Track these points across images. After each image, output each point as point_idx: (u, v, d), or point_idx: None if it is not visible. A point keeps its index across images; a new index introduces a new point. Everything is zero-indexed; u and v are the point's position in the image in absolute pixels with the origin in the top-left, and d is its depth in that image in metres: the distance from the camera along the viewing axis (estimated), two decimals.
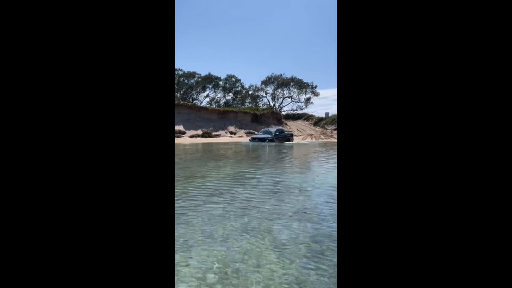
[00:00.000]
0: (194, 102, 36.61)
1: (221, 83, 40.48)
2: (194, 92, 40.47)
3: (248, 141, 17.54)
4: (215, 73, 43.77)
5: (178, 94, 37.86)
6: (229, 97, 41.31)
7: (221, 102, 40.52)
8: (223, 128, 25.93)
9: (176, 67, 41.00)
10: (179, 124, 25.05)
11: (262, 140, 16.94)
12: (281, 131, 18.77)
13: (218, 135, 24.11)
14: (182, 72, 39.68)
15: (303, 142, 19.62)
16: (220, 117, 27.06)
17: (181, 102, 28.03)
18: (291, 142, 18.03)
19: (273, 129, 18.74)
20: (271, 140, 16.90)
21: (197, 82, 39.84)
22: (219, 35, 63.69)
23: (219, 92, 41.12)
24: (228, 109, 29.34)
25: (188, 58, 59.36)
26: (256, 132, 19.17)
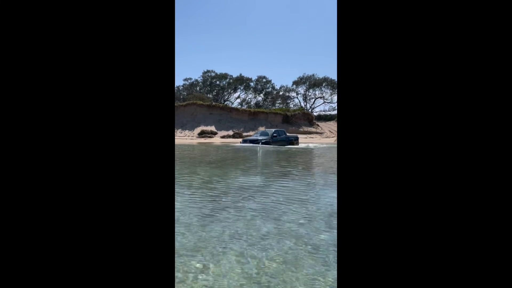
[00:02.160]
0: (225, 103, 37.25)
1: (252, 84, 40.79)
2: (225, 93, 41.23)
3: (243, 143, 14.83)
4: (246, 74, 44.25)
5: (210, 95, 38.79)
6: (260, 98, 41.48)
7: (251, 103, 40.81)
8: (253, 129, 26.03)
9: (208, 68, 42.13)
10: (211, 125, 25.62)
11: (254, 142, 14.19)
12: (282, 133, 15.80)
13: (249, 136, 24.23)
14: (214, 74, 40.62)
15: (312, 145, 16.28)
16: (251, 118, 27.20)
17: (213, 103, 28.65)
18: (293, 146, 14.57)
19: (271, 130, 15.72)
20: (265, 143, 13.96)
21: (229, 83, 40.53)
22: (251, 36, 64.24)
23: (250, 93, 41.46)
24: (258, 110, 29.41)
25: (221, 60, 60.62)
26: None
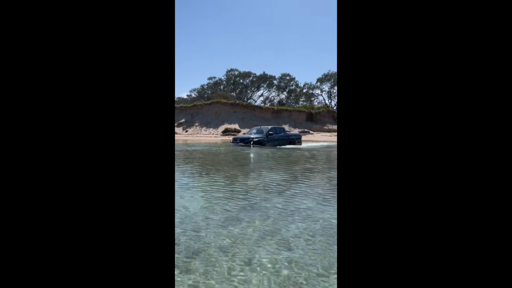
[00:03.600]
0: (248, 101, 37.39)
1: (275, 82, 40.55)
2: (249, 91, 41.35)
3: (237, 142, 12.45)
4: (270, 72, 44.05)
5: (234, 94, 39.10)
6: (283, 95, 41.14)
7: (275, 101, 40.59)
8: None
9: (232, 67, 42.45)
10: (234, 123, 25.82)
11: (245, 141, 11.78)
12: (280, 131, 13.18)
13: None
14: (237, 72, 40.89)
15: (316, 144, 14.15)
16: (274, 116, 27.06)
17: (237, 102, 28.84)
18: (293, 146, 12.26)
19: (267, 127, 12.94)
20: (258, 142, 11.54)
21: (252, 81, 40.60)
22: (274, 34, 63.86)
23: (273, 91, 41.25)
24: (282, 107, 29.18)
25: (245, 58, 60.87)
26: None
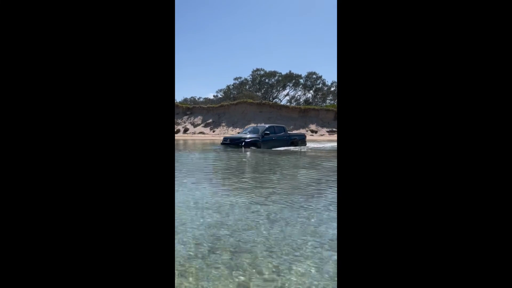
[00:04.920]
0: (274, 101, 37.19)
1: (301, 80, 39.95)
2: (274, 90, 41.15)
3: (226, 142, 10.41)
4: (295, 71, 43.55)
5: (259, 94, 39.10)
6: (310, 94, 40.41)
7: (301, 100, 40.00)
8: (303, 126, 25.45)
9: (258, 67, 42.50)
10: (260, 123, 25.78)
11: (236, 142, 9.77)
12: (280, 130, 10.98)
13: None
14: (263, 72, 40.83)
15: (323, 145, 12.24)
16: (301, 116, 26.65)
17: (263, 102, 28.78)
18: (292, 148, 10.35)
19: (264, 126, 10.61)
20: (251, 144, 9.54)
21: (278, 81, 40.34)
22: (300, 31, 63.00)
23: (299, 90, 40.67)
24: (309, 107, 28.64)
25: (271, 57, 60.72)
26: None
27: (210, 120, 27.87)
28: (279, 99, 40.34)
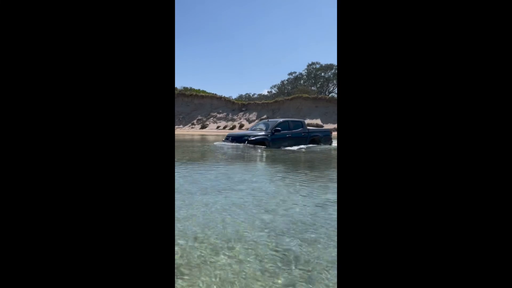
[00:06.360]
0: (330, 95, 35.72)
1: None
2: (330, 84, 39.53)
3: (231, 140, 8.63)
4: None
5: (315, 88, 37.97)
6: None
7: None
8: None
9: (313, 61, 41.30)
10: (316, 118, 25.05)
11: (240, 140, 8.17)
12: (297, 125, 8.99)
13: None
14: (319, 66, 39.52)
15: None
16: None
17: (318, 96, 27.87)
18: (312, 147, 8.52)
19: (276, 121, 8.78)
20: (258, 142, 7.90)
21: (334, 74, 38.61)
22: None
23: None
24: None
25: (327, 49, 58.48)
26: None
27: (265, 116, 28.11)
28: (335, 93, 38.62)
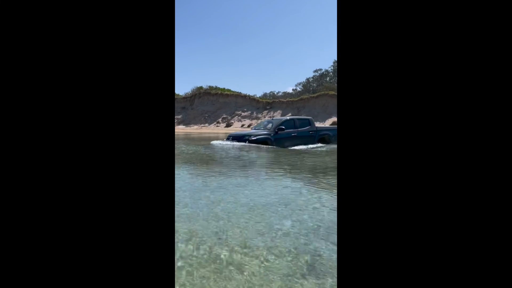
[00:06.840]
0: None
1: None
2: None
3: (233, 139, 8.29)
4: None
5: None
6: None
7: None
8: None
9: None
10: (333, 116, 24.30)
11: (240, 139, 7.87)
12: (304, 123, 8.57)
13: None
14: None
15: None
16: None
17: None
18: (320, 147, 8.00)
19: (281, 119, 8.53)
20: (260, 141, 7.61)
21: None
22: None
23: None
24: None
25: None
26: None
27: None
28: None
